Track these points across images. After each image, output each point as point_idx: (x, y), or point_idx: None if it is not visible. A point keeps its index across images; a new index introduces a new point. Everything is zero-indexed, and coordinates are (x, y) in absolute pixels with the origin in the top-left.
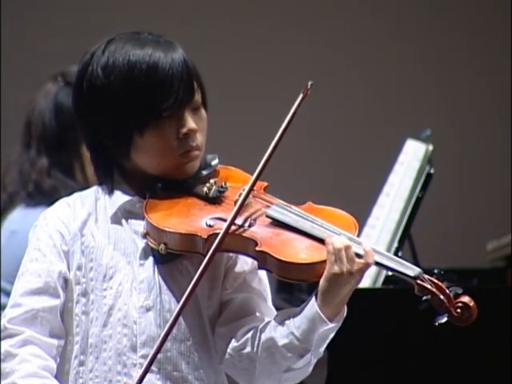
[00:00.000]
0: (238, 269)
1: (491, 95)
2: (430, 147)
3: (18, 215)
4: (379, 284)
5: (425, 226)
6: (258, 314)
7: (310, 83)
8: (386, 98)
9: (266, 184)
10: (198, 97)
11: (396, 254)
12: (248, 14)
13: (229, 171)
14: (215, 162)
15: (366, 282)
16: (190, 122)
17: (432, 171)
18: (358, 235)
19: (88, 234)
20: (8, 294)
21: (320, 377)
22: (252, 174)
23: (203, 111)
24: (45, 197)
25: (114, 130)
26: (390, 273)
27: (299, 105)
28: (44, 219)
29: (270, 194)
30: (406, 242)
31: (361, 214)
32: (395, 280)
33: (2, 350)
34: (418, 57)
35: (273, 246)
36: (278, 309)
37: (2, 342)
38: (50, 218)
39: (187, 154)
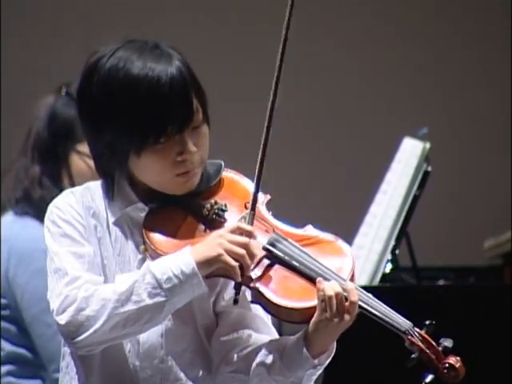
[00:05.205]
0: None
1: (489, 93)
2: (428, 145)
3: (5, 222)
4: (376, 282)
5: (422, 223)
6: (252, 330)
7: None
8: (383, 97)
9: (268, 198)
10: (198, 116)
11: (393, 251)
12: (247, 16)
13: (232, 183)
14: (218, 174)
15: (362, 280)
16: (189, 146)
17: (429, 169)
18: (356, 235)
19: (101, 233)
20: None
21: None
22: (252, 175)
23: (204, 127)
24: (31, 206)
25: (113, 146)
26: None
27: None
28: (58, 209)
29: (271, 195)
30: (403, 239)
31: (358, 212)
32: (393, 278)
33: (78, 301)
34: (416, 55)
35: (266, 284)
36: None
37: (72, 307)
38: (63, 207)
39: (185, 174)
